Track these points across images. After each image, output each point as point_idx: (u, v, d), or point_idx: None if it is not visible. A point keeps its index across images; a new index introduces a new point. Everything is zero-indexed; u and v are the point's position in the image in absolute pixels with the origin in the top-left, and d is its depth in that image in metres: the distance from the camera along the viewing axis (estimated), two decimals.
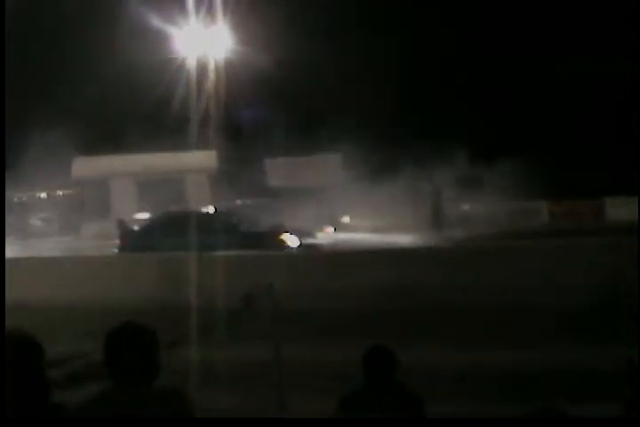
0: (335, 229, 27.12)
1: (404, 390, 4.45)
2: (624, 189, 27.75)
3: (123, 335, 3.07)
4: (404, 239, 21.75)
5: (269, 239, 18.56)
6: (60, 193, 35.85)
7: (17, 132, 30.28)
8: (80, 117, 31.80)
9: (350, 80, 33.12)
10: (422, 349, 8.70)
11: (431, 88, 32.98)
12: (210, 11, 33.75)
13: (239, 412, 6.83)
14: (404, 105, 33.07)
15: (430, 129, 31.27)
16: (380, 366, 4.42)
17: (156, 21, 33.26)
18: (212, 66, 34.57)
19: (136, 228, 21.44)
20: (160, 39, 33.93)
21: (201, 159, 34.30)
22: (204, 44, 34.34)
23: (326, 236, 24.46)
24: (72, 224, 32.47)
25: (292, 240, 19.03)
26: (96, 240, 25.77)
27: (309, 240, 20.05)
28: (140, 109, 33.10)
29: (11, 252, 16.01)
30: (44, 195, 35.76)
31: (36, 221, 33.36)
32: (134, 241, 19.43)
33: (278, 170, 34.73)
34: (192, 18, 33.91)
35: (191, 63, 34.17)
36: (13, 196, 32.38)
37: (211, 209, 26.34)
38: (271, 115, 36.29)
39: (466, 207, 31.50)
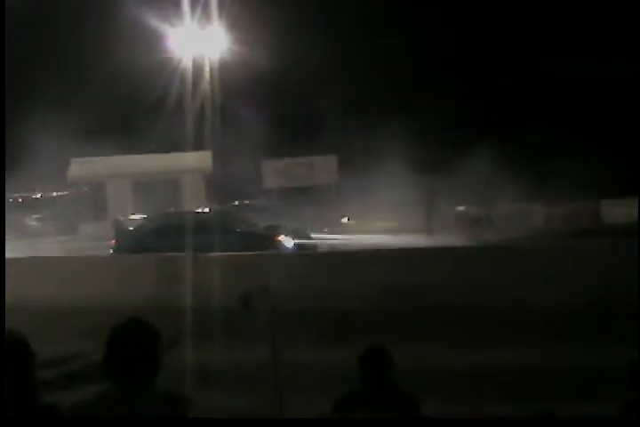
0: (334, 230, 27.09)
1: (400, 391, 4.45)
2: (620, 191, 27.79)
3: (125, 333, 3.06)
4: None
5: (265, 240, 18.58)
6: (56, 193, 35.80)
7: (14, 134, 30.23)
8: (75, 118, 31.74)
9: (347, 80, 33.14)
10: (420, 349, 8.70)
11: (431, 88, 32.99)
12: (205, 11, 33.74)
13: (237, 413, 6.81)
14: (404, 104, 33.07)
15: (428, 130, 31.30)
16: (376, 368, 4.43)
17: (151, 21, 33.25)
18: (207, 66, 34.55)
19: (132, 228, 21.42)
20: (155, 39, 33.92)
21: (196, 160, 34.26)
22: (199, 43, 34.30)
23: (325, 236, 24.47)
24: (68, 225, 32.43)
25: (287, 241, 19.05)
26: (92, 241, 25.73)
27: (305, 241, 20.08)
28: (136, 109, 33.07)
29: (6, 252, 15.96)
30: (39, 195, 35.71)
31: (31, 222, 33.29)
32: (130, 242, 19.42)
33: (274, 171, 34.73)
34: (187, 18, 33.89)
35: (187, 63, 34.14)
36: (9, 196, 32.32)
37: (206, 210, 26.33)
38: (267, 115, 36.28)
39: (461, 209, 31.52)
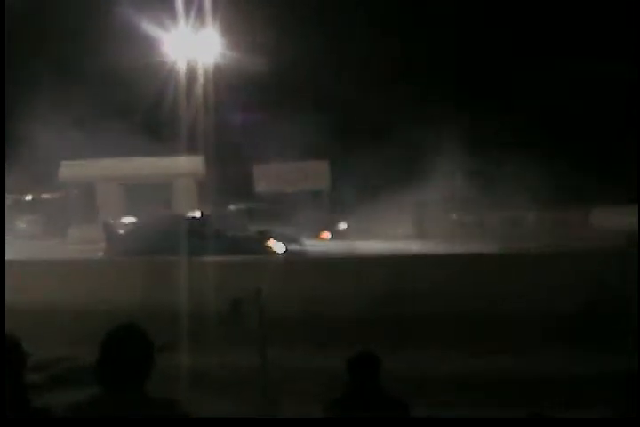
0: (332, 235, 26.95)
1: (389, 395, 4.46)
2: (611, 199, 27.85)
3: (116, 338, 3.05)
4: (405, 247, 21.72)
5: (255, 245, 18.57)
6: (47, 196, 35.70)
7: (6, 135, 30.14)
8: (67, 120, 31.68)
9: (341, 84, 33.17)
10: (409, 355, 8.71)
11: (421, 94, 33.03)
12: (199, 15, 33.74)
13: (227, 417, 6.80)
14: (396, 110, 33.10)
15: (421, 135, 31.32)
16: (365, 372, 4.44)
17: (144, 25, 33.22)
18: (201, 70, 34.54)
19: (122, 231, 21.38)
20: (149, 43, 33.89)
21: (188, 164, 34.23)
22: (193, 48, 34.29)
23: (321, 242, 24.44)
24: (58, 227, 32.33)
25: (278, 246, 19.04)
26: (82, 244, 25.65)
27: (296, 246, 20.06)
28: (128, 113, 33.03)
29: None
30: (29, 198, 35.60)
31: (21, 224, 33.18)
32: (120, 245, 19.37)
33: (266, 175, 34.74)
34: (181, 22, 33.88)
35: (180, 67, 34.13)
36: None
37: (197, 214, 26.29)
38: (260, 119, 36.28)
39: (453, 216, 31.54)
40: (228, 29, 33.93)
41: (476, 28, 33.80)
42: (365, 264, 13.25)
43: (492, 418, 4.50)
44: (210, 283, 11.92)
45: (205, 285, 11.89)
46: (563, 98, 32.34)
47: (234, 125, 36.79)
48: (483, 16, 34.34)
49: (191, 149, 33.68)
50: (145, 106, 32.59)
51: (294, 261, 16.27)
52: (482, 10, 34.37)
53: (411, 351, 9.10)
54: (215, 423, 3.76)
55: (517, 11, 34.23)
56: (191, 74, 34.27)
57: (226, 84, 33.70)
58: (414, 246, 22.33)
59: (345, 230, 28.42)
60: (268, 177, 34.53)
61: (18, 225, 32.72)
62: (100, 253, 19.75)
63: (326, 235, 26.67)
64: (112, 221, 24.01)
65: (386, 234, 26.66)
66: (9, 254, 14.54)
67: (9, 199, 33.43)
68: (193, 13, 33.77)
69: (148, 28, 33.43)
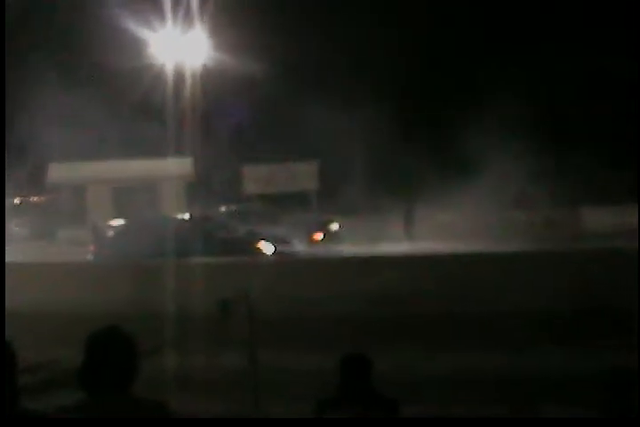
0: (325, 236, 26.85)
1: (380, 396, 4.46)
2: (602, 199, 27.91)
3: (99, 341, 3.04)
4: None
5: (244, 246, 18.54)
6: (35, 199, 35.57)
7: None
8: (54, 123, 31.58)
9: (329, 86, 33.18)
10: (400, 356, 8.72)
11: (409, 95, 33.07)
12: (187, 16, 33.69)
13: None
14: (384, 111, 33.11)
15: (410, 136, 31.37)
16: (356, 373, 4.44)
17: (132, 26, 33.13)
18: (189, 71, 34.49)
19: (111, 234, 21.32)
20: (136, 44, 33.80)
21: (177, 166, 34.17)
22: (181, 49, 34.24)
23: (313, 244, 24.39)
24: (47, 230, 32.23)
25: (267, 247, 19.02)
26: (71, 246, 25.57)
27: (286, 247, 20.03)
28: (116, 115, 32.94)
29: None
30: (17, 200, 35.46)
31: (9, 227, 33.04)
32: (109, 247, 19.32)
33: (255, 177, 34.70)
34: (169, 23, 33.81)
35: (168, 69, 34.06)
36: None
37: (186, 215, 26.24)
38: (249, 121, 36.27)
39: (442, 217, 31.52)
40: (216, 31, 33.91)
41: (475, 26, 33.79)
42: (354, 265, 13.26)
43: (489, 418, 4.50)
44: (199, 285, 11.91)
45: (194, 286, 11.88)
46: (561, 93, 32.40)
47: (222, 127, 36.77)
48: (482, 14, 34.33)
49: (180, 151, 33.64)
50: (132, 107, 32.52)
51: (284, 262, 16.27)
52: (482, 8, 34.37)
53: (402, 352, 9.11)
54: (205, 424, 3.76)
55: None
56: (179, 75, 34.22)
57: (214, 85, 33.67)
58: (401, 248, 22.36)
59: (337, 231, 28.33)
60: (257, 178, 34.49)
61: (7, 228, 32.59)
62: (89, 256, 19.69)
63: (318, 235, 26.60)
64: (101, 224, 23.93)
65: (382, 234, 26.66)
66: None
67: None
68: (181, 14, 33.74)
69: (136, 29, 33.37)
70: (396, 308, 11.17)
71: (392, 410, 4.41)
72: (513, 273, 11.74)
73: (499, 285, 11.40)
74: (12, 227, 32.94)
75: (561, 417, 4.24)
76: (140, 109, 32.64)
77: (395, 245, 23.09)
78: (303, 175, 33.99)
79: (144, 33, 33.68)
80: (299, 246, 21.76)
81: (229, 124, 37.61)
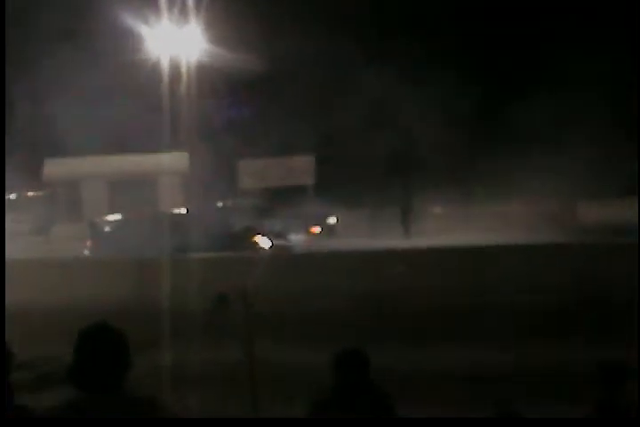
0: (322, 230, 26.85)
1: (376, 392, 4.46)
2: (600, 192, 27.89)
3: (89, 338, 3.04)
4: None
5: (241, 241, 18.55)
6: (31, 194, 35.49)
7: None
8: (48, 118, 31.52)
9: (326, 80, 33.13)
10: (395, 351, 8.72)
11: (406, 88, 32.99)
12: (183, 10, 33.58)
13: (212, 415, 6.80)
14: (379, 106, 33.09)
15: (407, 129, 31.34)
16: (352, 369, 4.44)
17: (127, 21, 33.01)
18: (185, 66, 34.41)
19: (107, 229, 21.30)
20: (132, 39, 33.70)
21: (173, 160, 34.13)
22: (176, 44, 34.14)
23: (310, 238, 24.39)
24: (43, 226, 32.18)
25: (264, 242, 19.03)
26: (67, 242, 25.55)
27: (282, 242, 20.04)
28: (112, 110, 32.87)
29: None
30: (14, 196, 35.38)
31: (6, 223, 32.98)
32: (105, 243, 19.31)
33: (251, 171, 34.68)
34: (164, 17, 33.71)
35: (164, 63, 33.98)
36: None
37: (183, 211, 26.23)
38: (245, 115, 36.22)
39: (438, 210, 31.55)
40: (212, 25, 33.81)
41: (477, 30, 33.72)
42: (351, 260, 13.27)
43: (486, 418, 4.51)
44: (196, 280, 11.91)
45: (191, 281, 11.88)
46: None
47: (218, 122, 36.72)
48: (483, 15, 34.24)
49: (176, 146, 33.59)
50: (128, 102, 32.44)
51: (280, 256, 16.27)
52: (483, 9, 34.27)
53: (399, 347, 9.12)
54: (202, 423, 3.76)
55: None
56: (175, 70, 34.14)
57: (210, 80, 33.60)
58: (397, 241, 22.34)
59: (334, 225, 28.33)
60: (254, 173, 34.47)
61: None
62: (86, 251, 19.68)
63: (316, 229, 26.61)
64: (97, 219, 23.91)
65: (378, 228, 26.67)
66: None
67: None
68: (176, 9, 33.64)
69: (131, 23, 33.26)
70: (393, 303, 11.18)
71: (389, 407, 4.42)
72: (505, 268, 11.75)
73: (493, 278, 11.41)
74: (9, 222, 32.89)
75: (561, 417, 4.25)
76: (135, 104, 32.56)
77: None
78: (299, 170, 33.98)
79: (140, 27, 33.58)
80: (296, 241, 21.78)
81: (225, 118, 37.55)
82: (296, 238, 22.49)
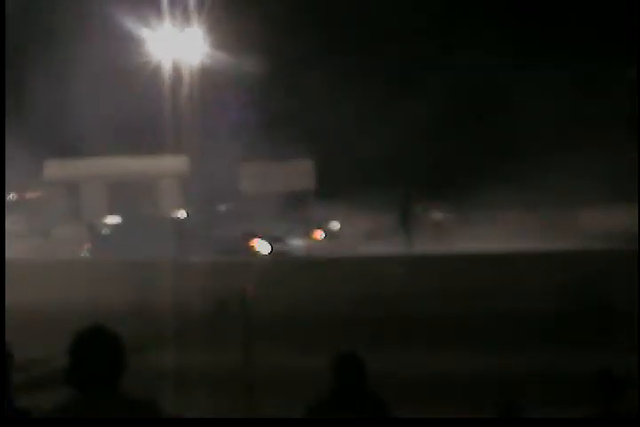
0: (325, 235, 26.84)
1: (373, 396, 4.46)
2: (600, 199, 27.84)
3: (84, 340, 3.04)
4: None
5: (240, 245, 18.54)
6: (30, 195, 35.48)
7: None
8: (51, 120, 31.53)
9: (328, 83, 33.14)
10: (395, 356, 8.71)
11: (407, 94, 33.03)
12: (185, 13, 33.63)
13: (209, 416, 6.79)
14: (380, 109, 33.09)
15: (406, 135, 31.34)
16: (349, 373, 4.43)
17: (129, 24, 33.06)
18: (186, 69, 34.44)
19: (107, 232, 21.30)
20: (134, 42, 33.75)
21: (173, 163, 34.15)
22: (178, 46, 34.19)
23: (312, 243, 24.38)
24: (42, 227, 32.15)
25: (263, 246, 19.02)
26: (66, 243, 25.54)
27: (281, 247, 20.03)
28: (113, 112, 32.88)
29: None
30: (13, 197, 35.37)
31: (5, 224, 32.97)
32: (104, 245, 19.31)
33: (251, 175, 34.69)
34: (166, 20, 33.76)
35: (165, 66, 34.02)
36: None
37: (182, 214, 26.24)
38: (246, 119, 36.22)
39: (438, 216, 31.53)
40: (214, 28, 33.87)
41: (472, 29, 33.70)
42: (350, 265, 13.26)
43: (486, 419, 4.50)
44: (195, 284, 11.89)
45: (190, 285, 11.86)
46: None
47: (219, 125, 36.73)
48: (481, 16, 34.22)
49: (176, 149, 33.61)
50: (129, 105, 32.46)
51: (279, 261, 16.26)
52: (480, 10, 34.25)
53: (396, 352, 9.11)
54: (200, 424, 3.74)
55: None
56: (176, 73, 34.18)
57: (211, 83, 33.63)
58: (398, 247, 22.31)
59: (337, 230, 28.32)
60: (254, 177, 34.47)
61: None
62: (85, 254, 19.67)
63: (319, 234, 26.61)
64: (96, 221, 23.92)
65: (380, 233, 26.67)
66: None
67: None
68: (178, 12, 33.69)
69: (133, 26, 33.30)
70: (391, 308, 11.16)
71: (386, 410, 4.41)
72: (511, 273, 11.75)
73: (495, 284, 11.41)
74: (8, 224, 32.88)
75: (561, 417, 4.24)
76: (137, 107, 32.58)
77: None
78: (300, 174, 34.00)
79: (141, 30, 33.62)
80: (296, 245, 21.74)
81: (227, 121, 37.57)
82: (298, 243, 22.46)
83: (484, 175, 29.15)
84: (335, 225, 28.48)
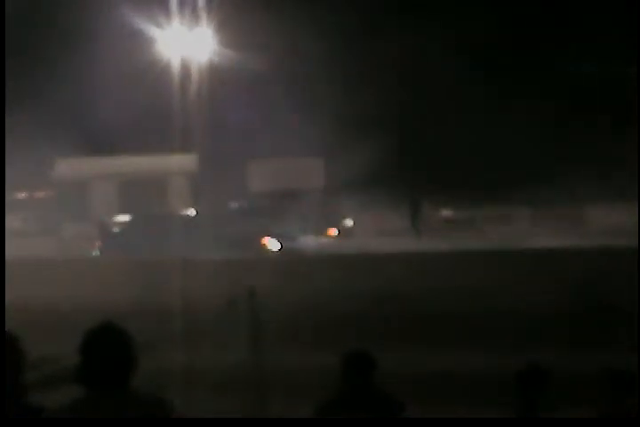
0: (339, 232, 26.84)
1: (383, 394, 4.44)
2: (605, 196, 27.78)
3: (95, 338, 3.05)
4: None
5: (250, 243, 18.55)
6: (40, 194, 35.58)
7: None
8: (61, 119, 31.61)
9: (336, 82, 33.14)
10: (406, 354, 8.70)
11: (419, 91, 33.00)
12: (193, 12, 33.66)
13: (218, 415, 6.79)
14: (391, 107, 33.06)
15: (416, 132, 31.34)
16: (359, 371, 4.42)
17: (138, 23, 33.12)
18: (195, 68, 34.47)
19: (116, 230, 21.35)
20: (143, 41, 33.80)
21: (183, 162, 34.18)
22: (187, 45, 34.22)
23: (326, 240, 24.40)
24: (52, 225, 32.24)
25: (273, 244, 19.02)
26: (76, 242, 25.60)
27: (292, 244, 20.02)
28: (123, 111, 32.94)
29: None
30: (23, 195, 35.48)
31: (15, 222, 33.06)
32: (114, 243, 19.35)
33: (262, 173, 34.68)
34: (175, 19, 33.80)
35: (174, 65, 34.05)
36: None
37: (192, 212, 26.27)
38: (255, 117, 36.24)
39: (447, 213, 31.51)
40: (223, 27, 33.88)
41: (477, 29, 33.64)
42: (360, 263, 13.25)
43: (489, 418, 4.49)
44: (204, 282, 11.91)
45: (200, 283, 11.88)
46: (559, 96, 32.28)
47: (228, 123, 36.76)
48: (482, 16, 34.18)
49: (186, 147, 33.64)
50: (138, 103, 32.51)
51: (289, 259, 16.27)
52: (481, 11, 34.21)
53: (406, 350, 9.10)
54: (210, 423, 3.75)
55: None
56: (185, 71, 34.21)
57: (220, 81, 33.65)
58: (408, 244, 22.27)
59: (351, 227, 28.30)
60: (263, 174, 34.47)
61: (10, 223, 32.59)
62: (95, 252, 19.71)
63: (333, 231, 26.60)
64: (106, 220, 23.98)
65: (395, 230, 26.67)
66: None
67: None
68: (187, 11, 33.71)
69: (142, 25, 33.35)
70: (402, 306, 11.15)
71: (397, 409, 4.40)
72: (514, 271, 11.71)
73: (499, 283, 11.37)
74: (18, 222, 33.00)
75: (560, 417, 4.23)
76: (146, 105, 32.63)
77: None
78: (309, 172, 33.97)
79: (150, 29, 33.67)
80: (307, 243, 21.72)
81: (235, 119, 37.59)
82: (311, 240, 22.44)
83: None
84: (349, 222, 28.48)
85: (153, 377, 3.43)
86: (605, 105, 31.27)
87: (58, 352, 8.83)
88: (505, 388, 7.44)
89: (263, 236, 19.39)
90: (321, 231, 25.13)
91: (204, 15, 33.82)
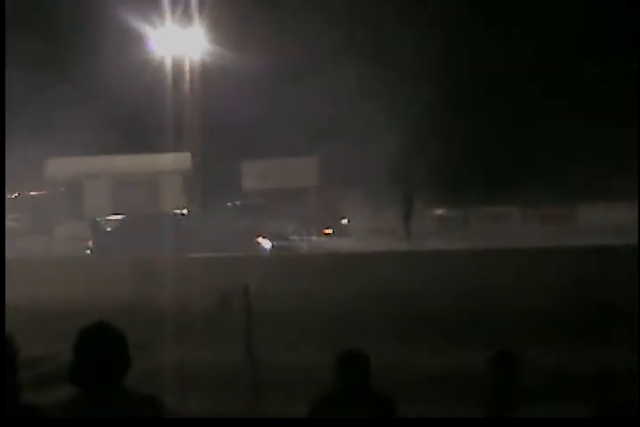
0: (334, 231, 26.88)
1: (377, 394, 4.45)
2: (598, 194, 27.85)
3: (87, 337, 3.05)
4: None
5: (243, 242, 18.55)
6: (33, 193, 35.53)
7: None
8: (53, 118, 31.55)
9: (329, 81, 33.14)
10: (399, 353, 8.71)
11: (417, 90, 32.99)
12: (186, 11, 33.63)
13: (212, 414, 6.80)
14: (383, 104, 33.06)
15: (409, 129, 31.34)
16: (353, 370, 4.42)
17: (131, 21, 33.07)
18: (187, 66, 34.44)
19: (109, 229, 21.32)
20: (135, 39, 33.75)
21: (176, 161, 34.17)
22: (179, 44, 34.19)
23: (321, 238, 24.43)
24: (45, 225, 32.19)
25: (265, 243, 19.03)
26: (69, 241, 25.57)
27: (284, 243, 20.05)
28: (115, 110, 32.91)
29: None
30: (16, 195, 35.42)
31: (8, 222, 32.99)
32: (107, 242, 19.33)
33: (254, 172, 34.70)
34: (168, 18, 33.76)
35: (167, 64, 34.01)
36: None
37: (184, 211, 26.27)
38: (248, 116, 36.23)
39: (440, 212, 31.56)
40: (215, 26, 33.86)
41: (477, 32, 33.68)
42: (352, 261, 13.26)
43: (488, 418, 4.50)
44: (197, 280, 11.91)
45: (193, 282, 11.88)
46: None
47: (220, 122, 36.74)
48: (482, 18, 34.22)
49: (179, 146, 33.62)
50: (131, 102, 32.48)
51: (283, 258, 16.27)
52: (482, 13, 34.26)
53: (403, 349, 9.11)
54: (202, 423, 3.75)
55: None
56: (178, 70, 34.18)
57: (213, 80, 33.63)
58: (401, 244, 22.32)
59: (346, 226, 28.35)
60: (256, 174, 34.49)
61: (5, 222, 32.51)
62: (88, 251, 19.69)
63: (328, 230, 26.66)
64: (99, 219, 23.94)
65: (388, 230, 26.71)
66: None
67: None
68: (180, 10, 33.68)
69: (135, 24, 33.30)
70: (398, 304, 11.16)
71: (390, 408, 4.40)
72: (507, 270, 11.73)
73: (497, 282, 11.40)
74: (11, 221, 32.91)
75: (560, 417, 4.24)
76: (138, 104, 32.59)
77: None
78: (302, 171, 34.00)
79: (143, 28, 33.62)
80: (301, 242, 21.76)
81: (228, 118, 37.58)
82: (306, 239, 22.48)
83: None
84: (343, 221, 28.55)
85: (146, 376, 3.42)
86: (605, 105, 31.32)
87: (50, 351, 8.82)
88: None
89: (257, 235, 19.39)
90: (315, 230, 25.16)
91: (196, 14, 33.80)
